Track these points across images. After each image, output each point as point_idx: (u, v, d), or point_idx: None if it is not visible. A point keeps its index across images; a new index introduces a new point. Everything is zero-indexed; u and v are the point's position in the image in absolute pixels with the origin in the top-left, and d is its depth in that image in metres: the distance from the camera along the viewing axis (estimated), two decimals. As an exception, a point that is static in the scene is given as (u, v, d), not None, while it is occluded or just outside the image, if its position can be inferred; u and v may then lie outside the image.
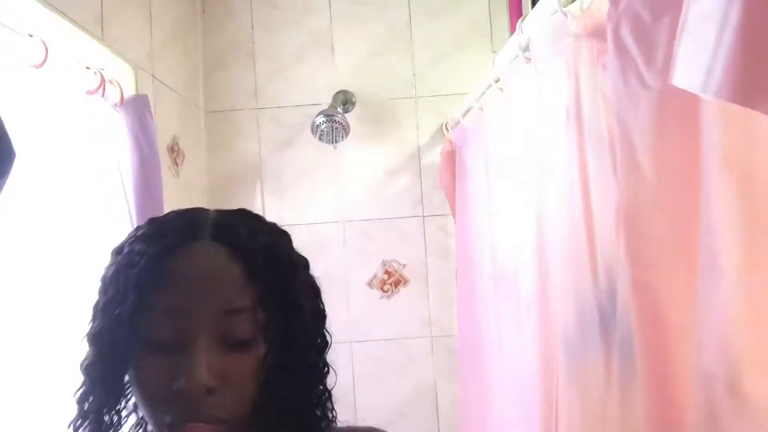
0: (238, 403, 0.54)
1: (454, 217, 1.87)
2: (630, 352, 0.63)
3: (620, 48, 0.56)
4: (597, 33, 0.73)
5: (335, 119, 1.86)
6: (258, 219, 0.61)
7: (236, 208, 0.62)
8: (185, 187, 1.79)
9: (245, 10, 2.03)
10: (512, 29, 1.37)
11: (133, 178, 1.29)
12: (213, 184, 2.01)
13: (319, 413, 0.60)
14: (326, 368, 0.61)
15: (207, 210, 0.60)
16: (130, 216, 1.22)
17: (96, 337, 0.56)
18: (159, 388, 0.52)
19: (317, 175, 2.00)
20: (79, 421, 0.57)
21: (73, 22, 1.14)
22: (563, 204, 0.86)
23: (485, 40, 2.01)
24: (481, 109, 1.40)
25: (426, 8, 2.02)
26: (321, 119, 1.86)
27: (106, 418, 0.58)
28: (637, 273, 0.61)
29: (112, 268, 0.58)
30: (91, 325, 0.58)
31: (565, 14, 0.79)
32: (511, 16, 1.96)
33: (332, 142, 1.92)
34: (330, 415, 0.61)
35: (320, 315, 0.61)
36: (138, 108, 1.32)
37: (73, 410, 0.57)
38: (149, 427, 0.60)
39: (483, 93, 1.38)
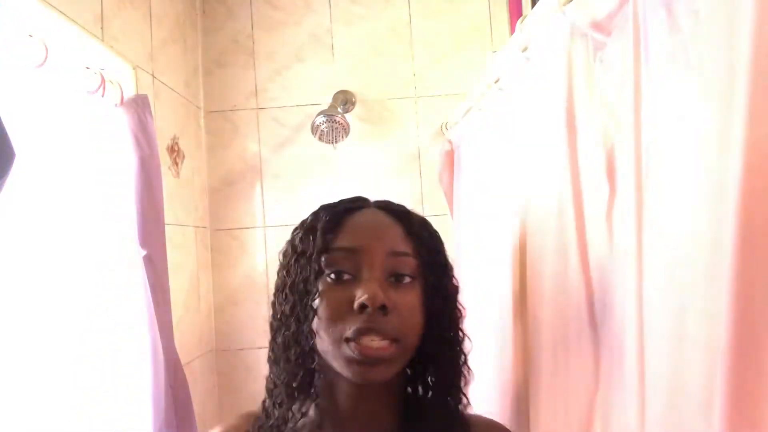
0: (406, 327, 0.65)
1: (453, 216, 1.87)
2: (619, 351, 0.63)
3: (674, 29, 0.55)
4: (596, 24, 0.73)
5: (335, 119, 1.86)
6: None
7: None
8: (185, 187, 1.79)
9: (245, 10, 2.03)
10: (512, 29, 1.37)
11: (133, 178, 1.29)
12: (213, 184, 2.01)
13: (463, 372, 0.73)
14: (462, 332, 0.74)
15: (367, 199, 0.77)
16: (130, 216, 1.22)
17: (288, 285, 0.69)
18: (342, 309, 0.63)
19: (317, 175, 2.01)
20: (280, 349, 0.69)
21: (73, 22, 1.14)
22: (563, 203, 0.86)
23: (485, 40, 2.01)
24: (481, 110, 1.39)
25: (426, 8, 2.02)
26: (321, 119, 1.86)
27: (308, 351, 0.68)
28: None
29: (299, 230, 0.72)
30: (280, 281, 0.71)
31: (564, 13, 0.80)
32: (511, 16, 1.96)
33: (332, 142, 1.93)
34: (468, 377, 0.74)
35: (453, 276, 0.75)
36: (138, 108, 1.32)
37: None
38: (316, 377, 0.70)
39: (482, 93, 1.38)
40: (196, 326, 1.81)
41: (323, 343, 0.65)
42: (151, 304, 1.23)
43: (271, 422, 0.70)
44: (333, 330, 0.64)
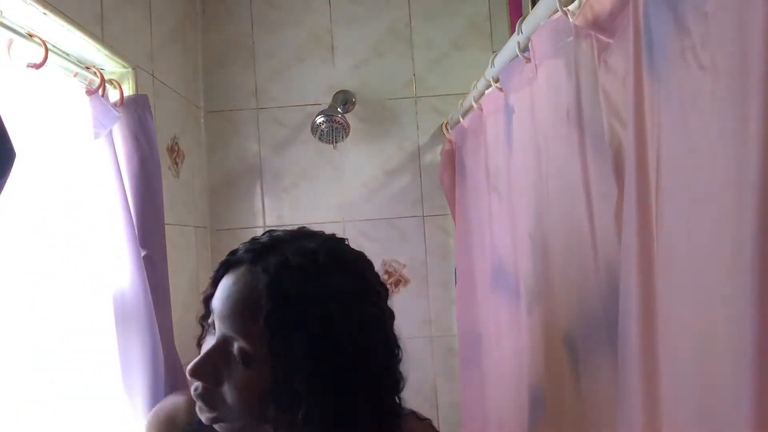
0: (233, 403, 0.67)
1: (453, 217, 1.87)
2: (632, 351, 0.63)
3: (682, 29, 0.55)
4: (598, 25, 0.72)
5: (335, 119, 1.86)
6: (328, 258, 0.70)
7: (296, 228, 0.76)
8: (185, 187, 1.79)
9: (245, 10, 2.03)
10: (512, 29, 1.36)
11: (133, 178, 1.29)
12: (213, 184, 2.01)
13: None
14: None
15: (292, 239, 0.72)
16: (130, 216, 1.22)
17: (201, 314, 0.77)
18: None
19: (317, 175, 2.00)
20: None
21: (73, 22, 1.14)
22: (564, 204, 0.86)
23: (485, 40, 2.01)
24: (481, 109, 1.39)
25: (426, 8, 2.02)
26: (321, 119, 1.86)
27: None
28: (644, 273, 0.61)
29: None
30: None
31: (565, 13, 0.79)
32: (511, 16, 1.96)
33: (332, 142, 1.92)
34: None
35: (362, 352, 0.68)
36: (138, 108, 1.32)
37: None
38: None
39: (482, 93, 1.38)
40: (196, 326, 1.81)
41: None
42: (151, 304, 1.23)
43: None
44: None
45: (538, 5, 0.90)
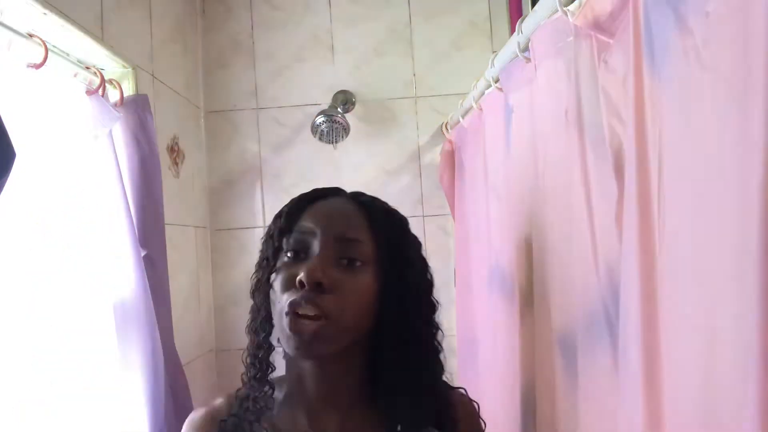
0: (343, 307, 0.67)
1: (453, 217, 1.87)
2: (633, 353, 0.63)
3: (683, 29, 0.55)
4: (598, 25, 0.72)
5: (335, 119, 1.86)
6: (383, 201, 0.80)
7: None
8: (185, 187, 1.79)
9: (245, 10, 2.03)
10: (512, 29, 1.36)
11: (133, 178, 1.29)
12: (213, 184, 2.01)
13: (433, 364, 0.77)
14: (434, 326, 0.79)
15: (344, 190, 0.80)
16: (130, 216, 1.22)
17: (258, 263, 0.75)
18: (288, 284, 0.68)
19: (317, 175, 2.00)
20: (253, 321, 0.76)
21: (73, 22, 1.14)
22: (563, 204, 0.86)
23: (485, 40, 2.01)
24: (481, 109, 1.39)
25: (426, 8, 2.02)
26: (321, 119, 1.86)
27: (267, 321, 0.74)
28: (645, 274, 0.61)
29: (275, 216, 0.76)
30: (259, 257, 0.76)
31: (565, 13, 0.79)
32: (511, 16, 1.96)
33: (332, 142, 1.92)
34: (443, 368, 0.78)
35: (426, 270, 0.79)
36: (138, 108, 1.32)
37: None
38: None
39: (482, 93, 1.38)
40: (196, 326, 1.81)
41: (274, 316, 0.70)
42: (151, 304, 1.23)
43: (245, 403, 0.75)
44: (277, 303, 0.68)
45: (538, 5, 0.90)
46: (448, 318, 1.98)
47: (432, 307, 0.79)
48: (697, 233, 0.54)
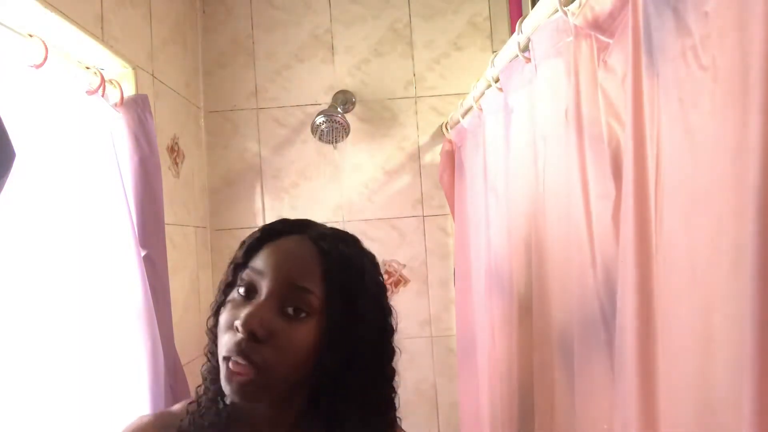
0: (277, 359, 0.66)
1: (453, 216, 1.87)
2: (629, 353, 0.63)
3: (682, 29, 0.55)
4: (598, 25, 0.72)
5: (335, 119, 1.86)
6: (350, 241, 0.76)
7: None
8: (185, 187, 1.79)
9: (245, 10, 2.03)
10: (512, 29, 1.37)
11: (133, 178, 1.29)
12: (213, 184, 2.01)
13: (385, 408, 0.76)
14: (386, 369, 0.76)
15: (314, 223, 0.78)
16: (130, 216, 1.22)
17: (221, 284, 0.75)
18: (228, 322, 0.68)
19: (317, 175, 2.00)
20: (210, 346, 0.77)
21: (73, 22, 1.14)
22: (562, 204, 0.86)
23: (485, 40, 2.01)
24: (481, 109, 1.39)
25: (426, 8, 2.02)
26: (321, 119, 1.86)
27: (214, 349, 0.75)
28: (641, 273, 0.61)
29: (240, 246, 0.75)
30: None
31: (565, 13, 0.79)
32: (511, 16, 1.96)
33: (332, 142, 1.93)
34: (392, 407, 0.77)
35: (382, 321, 0.75)
36: (138, 108, 1.32)
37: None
38: None
39: (482, 93, 1.38)
40: (196, 326, 1.81)
41: (219, 351, 0.70)
42: (151, 304, 1.23)
43: (196, 419, 0.76)
44: (220, 343, 0.69)
45: (538, 5, 0.90)
46: (447, 317, 1.98)
47: (383, 358, 0.76)
48: (694, 233, 0.54)
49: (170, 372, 1.30)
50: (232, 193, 2.01)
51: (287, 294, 0.67)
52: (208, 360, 0.78)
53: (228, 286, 0.73)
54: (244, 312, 0.66)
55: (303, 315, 0.67)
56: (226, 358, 0.66)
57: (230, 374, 0.66)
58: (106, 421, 1.18)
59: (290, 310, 0.67)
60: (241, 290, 0.70)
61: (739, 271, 0.46)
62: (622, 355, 0.64)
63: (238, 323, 0.65)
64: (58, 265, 1.13)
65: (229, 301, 0.71)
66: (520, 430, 1.08)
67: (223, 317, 0.70)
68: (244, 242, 0.75)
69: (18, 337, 1.03)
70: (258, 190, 2.01)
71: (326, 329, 0.68)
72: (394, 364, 0.78)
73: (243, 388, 0.65)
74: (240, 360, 0.65)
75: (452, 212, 1.88)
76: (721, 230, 0.50)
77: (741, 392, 0.45)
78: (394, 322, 0.78)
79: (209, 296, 1.95)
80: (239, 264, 0.72)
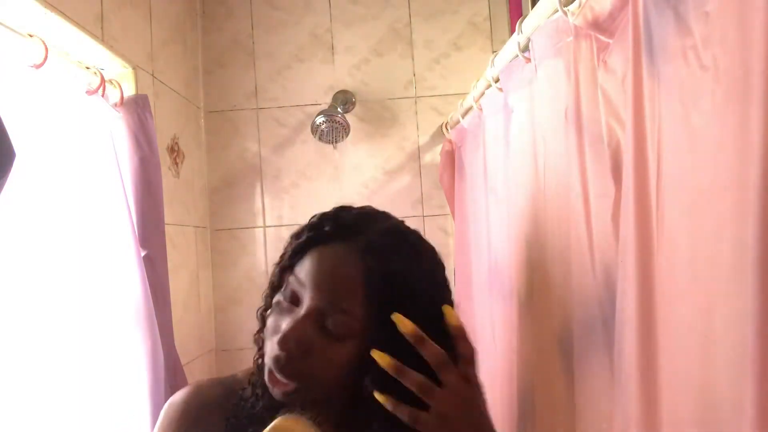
0: (313, 377, 0.65)
1: (453, 217, 1.87)
2: (629, 354, 0.63)
3: (683, 29, 0.55)
4: (598, 25, 0.72)
5: (335, 119, 1.86)
6: (405, 248, 0.70)
7: (393, 222, 0.75)
8: (185, 187, 1.79)
9: (245, 10, 2.03)
10: (512, 29, 1.37)
11: (133, 178, 1.29)
12: (213, 184, 2.01)
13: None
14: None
15: (378, 220, 0.73)
16: (130, 216, 1.22)
17: (269, 284, 0.74)
18: (273, 329, 0.67)
19: (317, 175, 2.00)
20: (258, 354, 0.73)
21: (73, 22, 1.14)
22: (562, 204, 0.86)
23: (485, 40, 2.01)
24: (481, 109, 1.39)
25: (426, 8, 2.02)
26: (321, 119, 1.86)
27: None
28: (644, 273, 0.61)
29: (297, 230, 0.73)
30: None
31: (565, 13, 0.79)
32: (511, 16, 1.96)
33: (332, 142, 1.93)
34: None
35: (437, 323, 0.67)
36: (138, 108, 1.32)
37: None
38: None
39: (482, 93, 1.38)
40: (196, 326, 1.81)
41: (264, 353, 0.70)
42: (151, 304, 1.23)
43: (248, 398, 0.74)
44: (266, 347, 0.68)
45: (538, 5, 0.90)
46: (448, 318, 1.98)
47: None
48: (695, 233, 0.54)
49: (170, 372, 1.30)
50: (232, 193, 2.01)
51: (327, 312, 0.65)
52: (258, 362, 0.75)
53: (274, 289, 0.72)
54: (284, 324, 0.66)
55: (344, 335, 0.65)
56: (268, 367, 0.67)
57: (272, 380, 0.66)
58: (106, 421, 1.18)
59: (330, 326, 0.65)
60: (288, 295, 0.68)
61: (740, 270, 0.46)
62: (622, 354, 0.64)
63: (276, 339, 0.64)
64: (58, 265, 1.13)
65: (276, 303, 0.70)
66: (520, 430, 1.08)
67: (270, 321, 0.69)
68: (292, 239, 0.72)
69: (18, 336, 1.03)
70: (258, 190, 2.01)
71: (367, 346, 0.64)
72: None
73: (285, 396, 0.66)
74: (278, 375, 0.65)
75: (452, 212, 1.88)
76: (721, 230, 0.50)
77: (742, 391, 0.45)
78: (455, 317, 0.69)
79: (209, 296, 1.95)
80: (285, 267, 0.70)
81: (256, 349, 0.76)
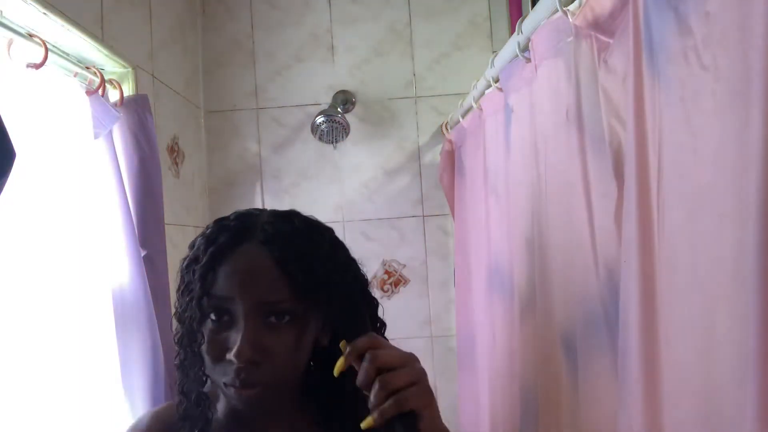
0: (280, 372, 0.69)
1: (453, 217, 1.87)
2: (632, 354, 0.63)
3: (683, 29, 0.55)
4: (598, 25, 0.72)
5: (335, 119, 1.86)
6: (300, 221, 0.75)
7: (287, 210, 0.77)
8: (185, 187, 1.79)
9: (245, 10, 2.03)
10: (512, 29, 1.37)
11: (133, 178, 1.29)
12: (213, 184, 2.01)
13: None
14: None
15: (260, 213, 0.76)
16: (130, 216, 1.22)
17: (180, 317, 0.74)
18: (221, 354, 0.68)
19: (317, 175, 2.00)
20: (183, 382, 0.75)
21: (73, 22, 1.14)
22: (563, 204, 0.86)
23: (485, 40, 2.01)
24: (481, 109, 1.39)
25: (426, 8, 2.02)
26: (321, 119, 1.86)
27: (200, 375, 0.74)
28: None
29: (185, 260, 0.74)
30: (176, 307, 0.76)
31: (565, 13, 0.79)
32: (511, 16, 1.96)
33: (332, 142, 1.93)
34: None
35: (352, 273, 0.77)
36: (138, 108, 1.32)
37: (177, 376, 0.77)
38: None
39: (482, 93, 1.38)
40: (196, 326, 1.81)
41: (212, 377, 0.72)
42: (151, 304, 1.23)
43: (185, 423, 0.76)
44: (214, 373, 0.70)
45: (538, 5, 0.90)
46: (447, 317, 1.98)
47: (370, 308, 0.77)
48: (696, 234, 0.54)
49: (170, 372, 1.29)
50: (232, 193, 2.01)
51: (263, 310, 0.68)
52: (182, 393, 0.76)
53: (191, 319, 0.71)
54: (230, 341, 0.67)
55: (287, 319, 0.69)
56: (230, 386, 0.68)
57: (241, 396, 0.68)
58: (106, 421, 1.18)
59: (272, 320, 0.68)
60: (213, 317, 0.69)
61: (742, 270, 0.46)
62: (625, 354, 0.64)
63: (232, 356, 0.66)
64: (58, 265, 1.13)
65: (199, 331, 0.70)
66: (522, 430, 1.08)
67: (207, 349, 0.69)
68: (189, 268, 0.72)
69: (17, 337, 1.03)
70: (258, 190, 2.01)
71: (314, 319, 0.71)
72: (380, 314, 0.79)
73: (254, 403, 0.69)
74: (247, 388, 0.67)
75: (452, 212, 1.88)
76: (723, 229, 0.50)
77: (745, 391, 0.45)
78: (363, 270, 0.80)
79: (209, 296, 1.94)
80: (200, 296, 0.69)
81: (180, 374, 0.76)
